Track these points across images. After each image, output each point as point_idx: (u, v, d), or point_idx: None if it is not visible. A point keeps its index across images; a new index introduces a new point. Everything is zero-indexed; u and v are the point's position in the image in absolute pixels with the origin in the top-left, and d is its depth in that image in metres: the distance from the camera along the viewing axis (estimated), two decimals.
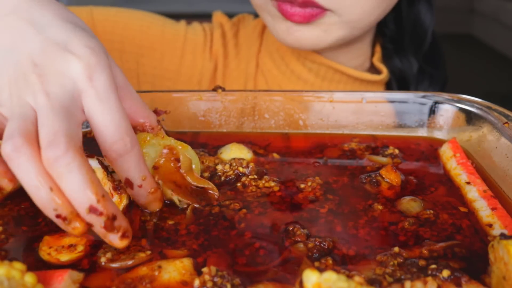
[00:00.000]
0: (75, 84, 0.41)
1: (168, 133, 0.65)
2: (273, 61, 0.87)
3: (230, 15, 0.96)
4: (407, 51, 0.87)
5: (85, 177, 0.38)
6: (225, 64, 0.89)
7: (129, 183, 0.44)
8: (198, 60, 0.89)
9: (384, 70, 0.85)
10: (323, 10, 0.69)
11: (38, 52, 0.41)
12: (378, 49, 0.87)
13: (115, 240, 0.40)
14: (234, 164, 0.55)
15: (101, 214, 0.39)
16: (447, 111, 0.64)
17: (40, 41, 0.41)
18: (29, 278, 0.36)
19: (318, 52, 0.81)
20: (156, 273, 0.40)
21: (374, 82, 0.85)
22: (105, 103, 0.41)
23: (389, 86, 0.88)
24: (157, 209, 0.48)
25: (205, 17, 0.98)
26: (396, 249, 0.43)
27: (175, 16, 0.96)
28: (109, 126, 0.41)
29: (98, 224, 0.39)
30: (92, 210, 0.38)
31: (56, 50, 0.41)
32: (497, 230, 0.46)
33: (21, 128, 0.38)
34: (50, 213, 0.39)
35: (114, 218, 0.40)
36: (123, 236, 0.40)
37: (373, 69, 0.88)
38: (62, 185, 0.38)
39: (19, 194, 0.52)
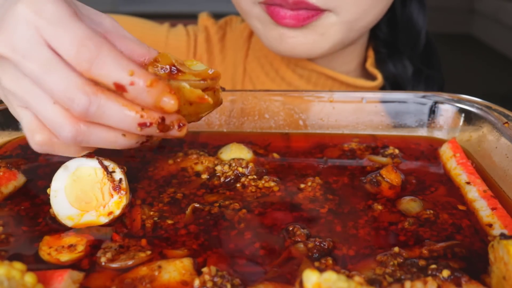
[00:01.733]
0: (29, 26, 0.40)
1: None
2: (261, 66, 0.84)
3: (229, 15, 0.95)
4: (402, 53, 0.85)
5: (119, 107, 0.39)
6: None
7: (120, 87, 0.39)
8: None
9: (379, 76, 0.82)
10: (318, 11, 0.65)
11: None
12: (371, 54, 0.84)
13: (175, 133, 0.42)
14: (233, 164, 0.55)
15: (151, 124, 0.40)
16: (447, 111, 0.64)
17: None
18: (29, 278, 0.36)
19: (310, 58, 0.77)
20: (156, 273, 0.40)
21: (368, 88, 0.82)
22: (58, 26, 0.39)
23: None
24: (174, 108, 0.41)
25: None
26: (396, 249, 0.43)
27: (175, 16, 0.96)
28: (66, 43, 0.39)
29: (154, 132, 0.41)
30: (142, 125, 0.40)
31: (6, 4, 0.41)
32: (497, 230, 0.46)
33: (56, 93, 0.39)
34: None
35: (163, 119, 0.41)
36: (180, 127, 0.42)
37: (366, 74, 0.86)
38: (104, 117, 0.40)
39: (19, 194, 0.52)
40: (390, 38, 0.85)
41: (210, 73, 0.45)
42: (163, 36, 0.87)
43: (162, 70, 0.43)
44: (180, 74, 0.44)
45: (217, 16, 0.94)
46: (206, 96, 0.44)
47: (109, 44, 0.40)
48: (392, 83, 0.84)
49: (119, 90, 0.40)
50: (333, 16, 0.66)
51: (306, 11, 0.64)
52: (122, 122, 0.40)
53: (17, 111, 0.44)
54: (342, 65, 0.81)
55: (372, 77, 0.84)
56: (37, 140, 0.43)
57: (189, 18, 1.08)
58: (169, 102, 0.40)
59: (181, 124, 0.42)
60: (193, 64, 0.46)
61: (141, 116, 0.40)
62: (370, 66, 0.83)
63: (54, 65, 0.39)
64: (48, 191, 0.48)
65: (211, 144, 0.63)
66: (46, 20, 0.39)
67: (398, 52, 0.85)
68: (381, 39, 0.85)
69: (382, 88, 0.85)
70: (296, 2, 0.62)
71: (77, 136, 0.40)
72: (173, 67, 0.43)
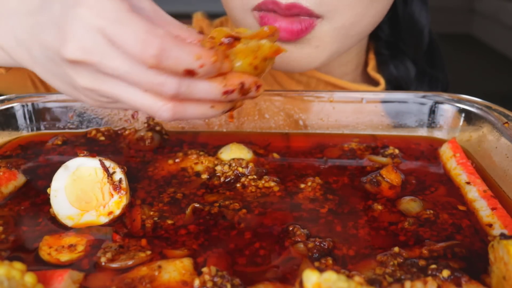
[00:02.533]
0: (93, 28, 0.40)
1: (168, 133, 0.65)
2: None
3: (225, 16, 0.95)
4: (404, 55, 0.83)
5: (205, 82, 0.41)
6: None
7: (190, 72, 0.41)
8: None
9: (381, 81, 0.80)
10: (311, 21, 0.61)
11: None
12: (372, 57, 0.82)
13: (254, 94, 0.44)
14: (233, 164, 0.55)
15: (233, 91, 0.42)
16: (447, 111, 0.64)
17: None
18: (29, 278, 0.36)
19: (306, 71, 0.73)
20: (156, 273, 0.40)
21: None
22: (119, 24, 0.40)
23: None
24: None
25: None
26: (396, 249, 0.43)
27: (176, 16, 0.96)
28: (129, 40, 0.40)
29: (236, 97, 0.43)
30: (226, 93, 0.42)
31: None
32: (497, 230, 0.46)
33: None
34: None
35: (242, 85, 0.43)
36: (257, 88, 0.43)
37: (367, 79, 0.83)
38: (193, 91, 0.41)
39: (19, 194, 0.52)
40: (392, 39, 0.83)
41: (266, 30, 0.47)
42: None
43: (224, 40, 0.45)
44: (237, 42, 0.45)
45: (215, 16, 0.94)
46: (283, 47, 0.46)
47: (169, 34, 0.41)
48: (394, 87, 0.82)
49: (189, 75, 0.41)
50: (326, 24, 0.63)
51: (299, 22, 0.61)
52: (209, 94, 0.42)
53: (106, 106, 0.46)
54: (339, 66, 0.79)
55: (374, 82, 0.82)
56: (164, 118, 0.44)
57: (188, 18, 1.08)
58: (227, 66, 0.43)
59: (258, 86, 0.44)
60: (245, 31, 0.47)
61: (224, 86, 0.42)
62: (371, 70, 0.81)
63: (133, 61, 0.40)
64: (48, 191, 0.48)
65: (211, 144, 0.63)
66: (108, 20, 0.40)
67: (401, 53, 0.83)
68: (382, 40, 0.83)
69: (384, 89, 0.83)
70: (289, 7, 0.59)
71: (174, 114, 0.42)
72: (229, 38, 0.45)
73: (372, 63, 0.82)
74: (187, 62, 0.40)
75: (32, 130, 0.66)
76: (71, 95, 0.46)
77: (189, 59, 0.40)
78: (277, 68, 0.68)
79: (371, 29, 0.71)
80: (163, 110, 0.42)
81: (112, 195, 0.48)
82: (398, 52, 0.83)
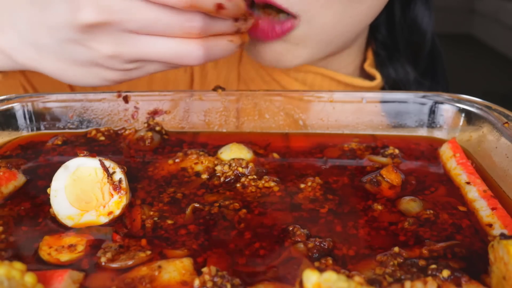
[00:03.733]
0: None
1: (168, 133, 0.65)
2: (255, 70, 0.82)
3: None
4: (403, 59, 0.81)
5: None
6: (202, 75, 0.85)
7: (220, 6, 0.44)
8: (170, 74, 0.84)
9: (378, 76, 0.78)
10: (290, 22, 0.62)
11: None
12: (370, 55, 0.81)
13: (245, 26, 0.47)
14: (233, 164, 0.55)
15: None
16: (447, 111, 0.64)
17: None
18: (29, 278, 0.36)
19: (291, 67, 0.73)
20: (156, 273, 0.40)
21: (367, 88, 0.79)
22: None
23: None
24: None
25: None
26: (396, 249, 0.43)
27: None
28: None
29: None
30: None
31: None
32: (497, 230, 0.46)
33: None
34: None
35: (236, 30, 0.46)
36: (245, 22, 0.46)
37: (365, 75, 0.82)
38: None
39: (19, 194, 0.52)
40: (389, 41, 0.81)
41: None
42: None
43: None
44: None
45: None
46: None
47: None
48: (392, 88, 0.81)
49: (219, 9, 0.44)
50: (305, 24, 0.63)
51: (280, 24, 0.62)
52: (226, 26, 0.45)
53: (130, 74, 0.48)
54: (340, 68, 0.79)
55: (371, 78, 0.81)
56: (197, 58, 0.46)
57: None
58: None
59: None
60: None
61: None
62: (368, 66, 0.80)
63: (158, 9, 0.40)
64: (48, 191, 0.48)
65: (211, 144, 0.63)
66: None
67: (399, 56, 0.81)
68: (379, 41, 0.81)
69: (382, 89, 0.82)
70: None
71: (205, 52, 0.45)
72: None
73: (369, 60, 0.81)
74: None
75: (32, 130, 0.66)
76: (91, 77, 0.45)
77: None
78: (266, 64, 0.69)
79: (359, 29, 0.70)
80: (194, 50, 0.44)
81: (112, 195, 0.48)
82: (396, 55, 0.81)
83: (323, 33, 0.65)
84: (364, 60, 0.82)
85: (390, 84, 0.81)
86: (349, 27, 0.67)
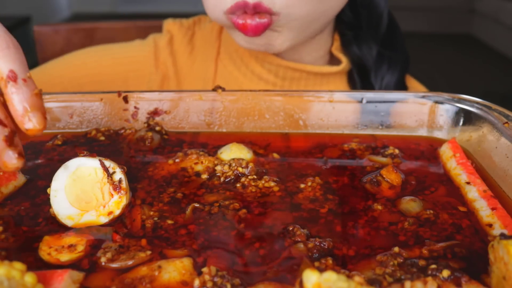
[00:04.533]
0: None
1: (168, 133, 0.65)
2: (233, 62, 0.87)
3: (198, 15, 0.95)
4: (367, 35, 0.87)
5: None
6: (176, 72, 0.90)
7: (13, 77, 0.43)
8: (144, 74, 0.90)
9: (344, 60, 0.85)
10: (270, 18, 0.69)
11: None
12: (336, 38, 0.86)
13: (12, 158, 0.42)
14: (233, 164, 0.55)
15: (5, 126, 0.42)
16: (447, 111, 0.64)
17: None
18: (29, 278, 0.36)
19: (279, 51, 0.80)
20: (156, 273, 0.40)
21: (336, 73, 0.85)
22: None
23: (350, 75, 0.87)
24: (39, 125, 0.44)
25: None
26: (396, 249, 0.43)
27: (175, 16, 0.96)
28: None
29: (1, 134, 0.42)
30: None
31: None
32: (497, 230, 0.46)
33: None
34: None
35: (14, 134, 0.43)
36: (20, 155, 0.43)
37: (333, 59, 0.88)
38: None
39: (19, 194, 0.52)
40: (355, 21, 0.87)
41: None
42: (119, 56, 0.91)
43: None
44: None
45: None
46: None
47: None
48: (358, 65, 0.87)
49: (9, 79, 0.43)
50: (284, 17, 0.70)
51: (262, 20, 0.69)
52: None
53: None
54: (311, 52, 0.84)
55: (338, 61, 0.86)
56: None
57: (189, 18, 1.07)
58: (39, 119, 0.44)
59: (22, 155, 0.43)
60: None
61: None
62: (335, 50, 0.85)
63: None
64: (48, 191, 0.48)
65: (211, 144, 0.63)
66: None
67: (363, 34, 0.87)
68: (345, 23, 0.87)
69: (349, 71, 0.87)
70: (255, 5, 0.67)
71: None
72: None
73: (336, 43, 0.86)
74: None
75: None
76: None
77: None
78: (260, 49, 0.75)
79: (333, 15, 0.77)
80: None
81: (112, 195, 0.48)
82: (360, 33, 0.87)
83: (301, 20, 0.72)
84: (332, 43, 0.87)
85: (356, 64, 0.86)
86: (323, 13, 0.74)
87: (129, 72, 0.90)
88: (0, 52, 0.43)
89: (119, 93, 0.65)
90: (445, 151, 0.59)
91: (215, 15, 0.74)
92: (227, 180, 0.54)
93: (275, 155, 0.60)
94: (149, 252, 0.42)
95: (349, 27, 0.87)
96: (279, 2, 0.68)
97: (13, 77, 0.43)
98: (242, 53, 0.86)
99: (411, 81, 0.94)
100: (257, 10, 0.68)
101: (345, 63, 0.85)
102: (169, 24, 0.93)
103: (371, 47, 0.87)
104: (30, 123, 0.43)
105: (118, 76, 0.90)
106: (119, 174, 0.48)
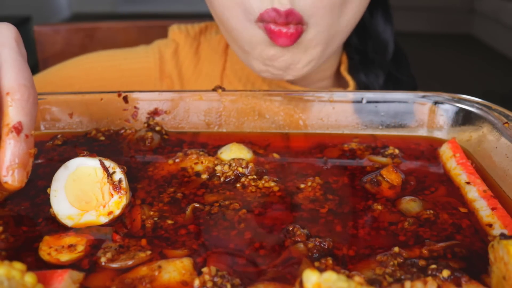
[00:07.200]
0: None
1: (168, 133, 0.65)
2: (238, 79, 0.86)
3: (204, 22, 0.94)
4: (373, 62, 0.86)
5: None
6: (181, 86, 0.89)
7: (18, 129, 0.44)
8: (149, 87, 0.88)
9: (351, 83, 0.84)
10: (300, 27, 0.66)
11: None
12: (344, 59, 0.86)
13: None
14: (233, 164, 0.55)
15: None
16: (447, 111, 0.64)
17: None
18: (29, 278, 0.36)
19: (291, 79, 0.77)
20: (156, 273, 0.40)
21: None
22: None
23: None
24: (18, 183, 0.44)
25: (205, 17, 0.97)
26: (396, 249, 0.43)
27: (176, 16, 0.96)
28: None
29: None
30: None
31: None
32: (497, 230, 0.46)
33: None
34: None
35: None
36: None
37: (340, 78, 0.88)
38: None
39: (19, 194, 0.52)
40: (361, 47, 0.87)
41: None
42: (124, 68, 0.90)
43: None
44: None
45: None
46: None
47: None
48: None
49: (15, 129, 0.44)
50: (312, 30, 0.67)
51: (294, 27, 0.65)
52: None
53: None
54: (319, 72, 0.82)
55: (344, 82, 0.86)
56: None
57: (189, 18, 1.08)
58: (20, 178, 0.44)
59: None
60: None
61: None
62: (344, 71, 0.85)
63: None
64: (48, 191, 0.48)
65: (211, 144, 0.63)
66: None
67: (370, 60, 0.86)
68: (353, 47, 0.87)
69: None
70: (287, 13, 0.64)
71: None
72: None
73: (344, 65, 0.85)
74: None
75: None
76: None
77: None
78: (274, 74, 0.71)
79: (348, 32, 0.74)
80: None
81: (112, 195, 0.48)
82: (367, 60, 0.87)
83: (326, 33, 0.68)
84: (340, 64, 0.86)
85: (361, 88, 0.86)
86: (343, 28, 0.71)
87: (134, 84, 0.89)
88: (19, 102, 0.44)
89: (119, 93, 0.65)
90: (445, 151, 0.59)
91: (240, 24, 0.69)
92: (227, 180, 0.54)
93: (275, 155, 0.60)
94: (149, 252, 0.42)
95: (356, 51, 0.87)
96: (307, 9, 0.65)
97: (18, 130, 0.43)
98: (249, 72, 0.84)
99: None
100: (289, 20, 0.65)
101: (352, 87, 0.84)
102: (175, 33, 0.91)
103: (378, 75, 0.86)
104: (10, 178, 0.43)
105: (122, 88, 0.89)
106: (119, 174, 0.48)
